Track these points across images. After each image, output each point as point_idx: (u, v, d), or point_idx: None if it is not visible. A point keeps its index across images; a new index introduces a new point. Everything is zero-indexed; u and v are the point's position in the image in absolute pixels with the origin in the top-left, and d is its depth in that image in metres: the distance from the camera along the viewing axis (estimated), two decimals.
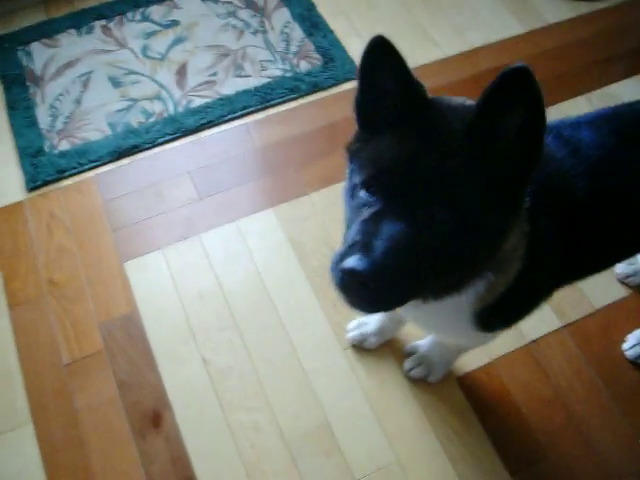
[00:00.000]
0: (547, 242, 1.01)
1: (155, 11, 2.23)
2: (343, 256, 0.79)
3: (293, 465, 1.43)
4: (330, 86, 2.05)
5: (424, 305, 0.95)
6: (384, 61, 0.84)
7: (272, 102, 2.01)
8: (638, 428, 1.46)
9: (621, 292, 1.65)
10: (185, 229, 1.76)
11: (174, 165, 1.88)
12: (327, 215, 1.78)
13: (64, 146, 1.89)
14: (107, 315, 1.62)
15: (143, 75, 2.07)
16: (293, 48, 2.14)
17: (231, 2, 2.26)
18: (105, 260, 1.71)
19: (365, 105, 0.90)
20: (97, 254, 1.72)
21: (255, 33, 2.18)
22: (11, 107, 1.98)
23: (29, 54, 2.10)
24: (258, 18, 2.22)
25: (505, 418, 1.48)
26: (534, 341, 1.58)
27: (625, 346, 1.55)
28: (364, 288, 0.77)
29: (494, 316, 1.05)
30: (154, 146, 1.92)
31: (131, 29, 2.18)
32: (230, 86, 2.04)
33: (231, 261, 1.71)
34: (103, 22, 2.19)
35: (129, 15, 2.21)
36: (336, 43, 2.13)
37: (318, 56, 2.11)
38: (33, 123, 1.94)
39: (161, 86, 2.04)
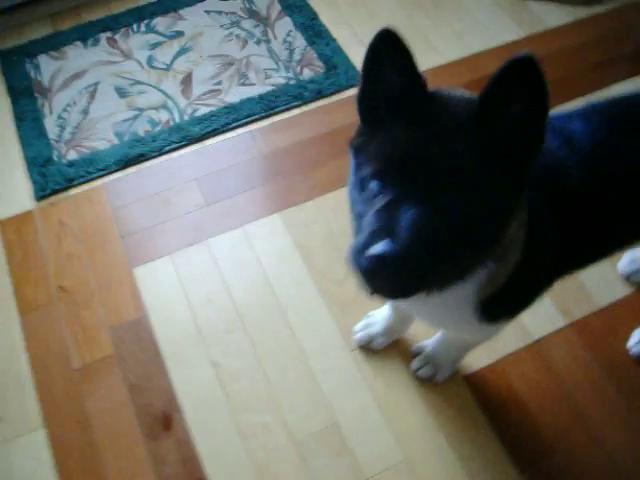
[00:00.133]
0: (545, 231, 1.03)
1: (160, 22, 2.27)
2: (366, 245, 0.79)
3: (303, 465, 1.44)
4: (333, 93, 2.07)
5: (428, 298, 0.96)
6: (391, 55, 0.84)
7: (276, 109, 2.04)
8: None
9: (625, 290, 1.66)
10: (193, 235, 1.78)
11: (181, 172, 1.91)
12: (333, 219, 1.80)
13: (72, 155, 1.92)
14: (117, 320, 1.64)
15: (149, 85, 2.10)
16: (296, 56, 2.17)
17: (234, 13, 2.30)
18: (114, 266, 1.73)
19: (368, 99, 0.90)
20: (106, 261, 1.74)
21: (258, 42, 2.21)
22: (19, 118, 2.01)
23: (37, 66, 2.14)
24: (261, 28, 2.25)
25: (513, 416, 1.49)
26: (540, 340, 1.59)
27: (630, 344, 1.56)
28: (394, 272, 0.77)
29: (496, 306, 1.06)
30: (161, 154, 1.94)
31: (136, 40, 2.22)
32: (235, 94, 2.07)
33: (239, 266, 1.73)
34: (109, 34, 2.23)
35: (134, 27, 2.25)
36: (338, 51, 2.16)
37: (321, 64, 2.14)
38: (41, 134, 1.97)
39: (167, 96, 2.07)
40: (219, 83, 2.10)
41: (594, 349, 1.57)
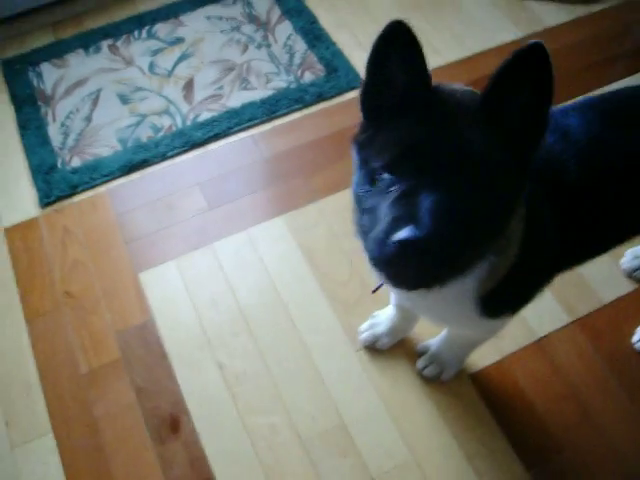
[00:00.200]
0: (543, 225, 1.04)
1: (161, 29, 2.28)
2: (389, 232, 0.78)
3: (311, 466, 1.44)
4: (334, 96, 2.08)
5: (429, 294, 0.97)
6: (400, 47, 0.84)
7: (278, 113, 2.05)
8: None
9: (628, 286, 1.66)
10: (197, 239, 1.79)
11: (184, 177, 1.92)
12: (335, 221, 1.80)
13: (76, 162, 1.94)
14: (123, 324, 1.65)
15: (151, 91, 2.11)
16: (297, 60, 2.18)
17: (234, 18, 2.31)
18: (120, 271, 1.74)
19: (373, 94, 0.90)
20: (112, 266, 1.75)
21: (259, 47, 2.22)
22: (23, 126, 2.02)
23: (39, 74, 2.16)
24: (261, 32, 2.26)
25: (519, 413, 1.50)
26: (544, 337, 1.59)
27: (634, 339, 1.57)
28: (422, 256, 0.77)
29: (497, 301, 1.07)
30: (164, 159, 1.96)
31: (138, 47, 2.23)
32: (236, 99, 2.08)
33: (243, 268, 1.74)
34: (110, 41, 2.24)
35: (135, 34, 2.27)
36: (338, 54, 2.18)
37: (321, 67, 2.15)
38: (45, 141, 1.98)
39: (169, 101, 2.08)
40: (220, 88, 2.11)
41: (598, 345, 1.58)
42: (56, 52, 2.22)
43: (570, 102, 1.19)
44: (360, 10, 2.32)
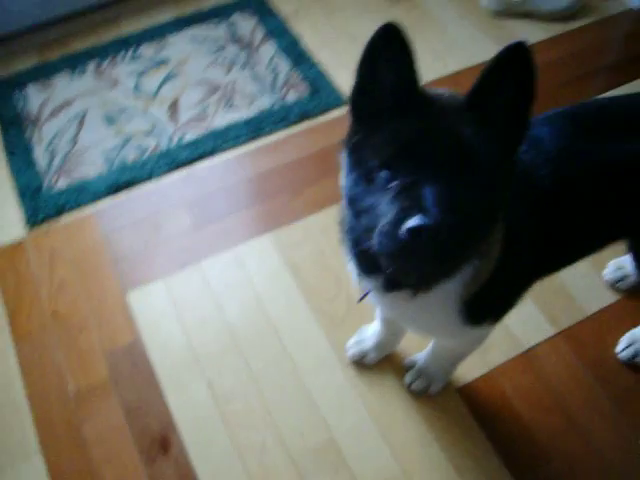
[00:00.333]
0: (522, 230, 1.07)
1: (146, 50, 2.31)
2: (398, 223, 0.79)
3: None
4: (318, 114, 2.11)
5: (413, 300, 0.99)
6: (392, 50, 0.86)
7: (263, 132, 2.07)
8: (637, 428, 1.50)
9: (611, 297, 1.69)
10: (184, 258, 1.80)
11: (170, 197, 1.93)
12: (321, 238, 1.82)
13: (62, 183, 1.95)
14: (112, 344, 1.65)
15: (136, 112, 2.13)
16: (280, 80, 2.21)
17: (219, 39, 2.34)
18: (107, 291, 1.75)
19: (364, 96, 0.92)
20: (99, 286, 1.76)
21: (243, 67, 2.25)
22: (9, 148, 2.03)
23: (25, 96, 2.17)
24: (245, 53, 2.29)
25: (507, 425, 1.51)
26: (530, 349, 1.61)
27: (618, 349, 1.59)
28: (433, 243, 0.78)
29: (480, 307, 1.09)
30: (150, 180, 1.97)
31: (123, 68, 2.25)
32: (221, 119, 2.10)
33: (231, 287, 1.75)
34: (96, 63, 2.27)
35: (121, 55, 2.29)
36: (322, 73, 2.21)
37: (305, 86, 2.18)
38: (31, 163, 1.99)
39: (154, 122, 2.10)
40: (205, 108, 2.13)
41: (583, 356, 1.60)
42: (42, 74, 2.23)
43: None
44: (342, 30, 2.36)
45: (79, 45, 2.33)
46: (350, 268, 1.09)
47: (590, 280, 1.71)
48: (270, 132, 2.07)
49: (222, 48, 2.31)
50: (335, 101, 2.12)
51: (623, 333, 1.61)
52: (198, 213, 1.90)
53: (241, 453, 1.48)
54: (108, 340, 1.66)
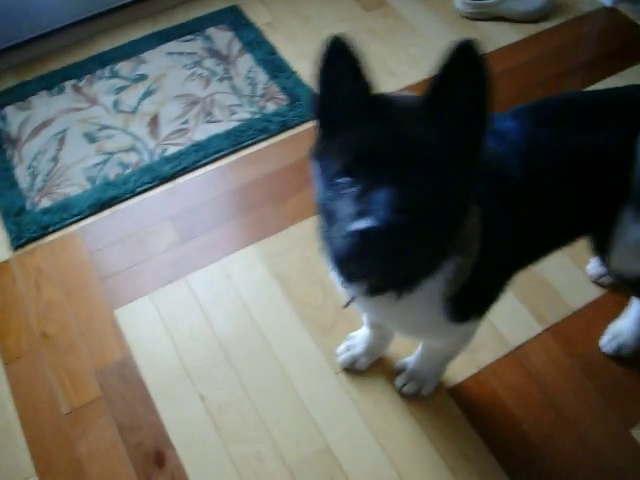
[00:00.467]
0: (498, 223, 1.08)
1: (123, 67, 2.31)
2: (348, 227, 0.82)
3: None
4: (298, 124, 2.12)
5: (398, 302, 1.01)
6: (343, 61, 0.89)
7: (243, 144, 2.08)
8: (627, 419, 1.51)
9: (596, 292, 1.71)
10: (171, 273, 1.80)
11: (155, 212, 1.93)
12: (307, 247, 1.83)
13: (45, 203, 1.94)
14: (102, 362, 1.65)
15: (117, 129, 2.13)
16: (259, 91, 2.22)
17: (195, 53, 2.35)
18: (95, 309, 1.74)
19: (325, 105, 0.94)
20: (87, 304, 1.75)
21: (221, 80, 2.26)
22: None
23: (4, 118, 2.17)
24: (223, 66, 2.30)
25: (499, 424, 1.52)
26: (518, 347, 1.63)
27: (602, 342, 1.61)
28: (380, 244, 0.80)
29: (464, 303, 1.10)
30: (133, 196, 1.97)
31: (101, 86, 2.26)
32: (202, 132, 2.11)
33: (219, 299, 1.75)
34: (73, 82, 2.27)
35: (98, 73, 2.29)
36: (300, 83, 2.22)
37: (284, 96, 2.19)
38: (13, 184, 1.99)
39: (135, 138, 2.10)
40: (186, 122, 2.14)
41: (571, 351, 1.62)
42: (20, 94, 2.23)
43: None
44: (317, 39, 2.33)
45: (56, 64, 2.33)
46: (333, 275, 1.10)
47: (574, 276, 1.74)
48: (251, 143, 2.08)
49: (199, 62, 2.32)
50: None
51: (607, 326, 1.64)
52: (183, 227, 1.90)
53: (237, 465, 1.49)
54: (98, 358, 1.66)
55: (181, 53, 2.35)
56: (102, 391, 1.61)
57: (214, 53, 2.34)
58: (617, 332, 1.60)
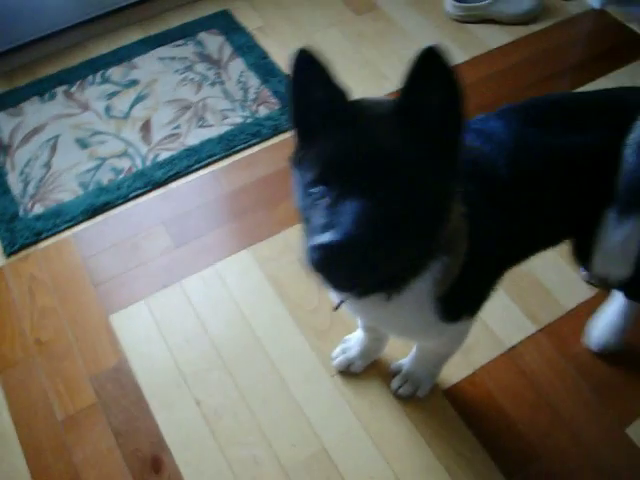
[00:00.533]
0: (486, 222, 1.09)
1: (114, 72, 2.31)
2: (314, 239, 0.83)
3: None
4: (290, 128, 2.12)
5: (388, 303, 1.01)
6: (312, 71, 0.90)
7: (236, 148, 2.08)
8: (621, 418, 1.52)
9: (588, 292, 1.72)
10: (165, 278, 1.80)
11: (148, 217, 1.93)
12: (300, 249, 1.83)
13: (38, 209, 1.94)
14: (97, 368, 1.65)
15: (109, 134, 2.13)
16: (251, 95, 2.22)
17: (187, 58, 2.35)
18: (90, 315, 1.74)
19: (300, 114, 0.95)
20: (81, 310, 1.75)
21: (213, 84, 2.26)
22: None
23: None
24: (214, 70, 2.30)
25: (495, 424, 1.53)
26: (512, 347, 1.64)
27: (588, 341, 1.62)
28: (341, 258, 0.81)
29: (454, 302, 1.11)
30: (126, 201, 1.97)
31: (92, 92, 2.26)
32: (194, 137, 2.11)
33: (213, 304, 1.75)
34: (65, 87, 2.27)
35: (89, 79, 2.29)
36: None
37: (276, 100, 2.20)
38: (6, 190, 1.98)
39: (127, 143, 2.10)
40: (178, 127, 2.14)
41: (565, 351, 1.63)
42: (11, 101, 2.23)
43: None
44: (308, 41, 2.36)
45: (47, 70, 2.33)
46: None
47: (567, 276, 1.75)
48: (243, 148, 2.09)
49: (191, 67, 2.32)
50: None
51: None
52: (176, 232, 1.90)
53: (234, 469, 1.49)
54: (93, 364, 1.66)
55: (172, 58, 2.35)
56: (97, 397, 1.60)
57: (205, 58, 2.35)
58: (601, 329, 1.61)
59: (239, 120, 2.15)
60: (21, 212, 1.93)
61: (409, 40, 2.40)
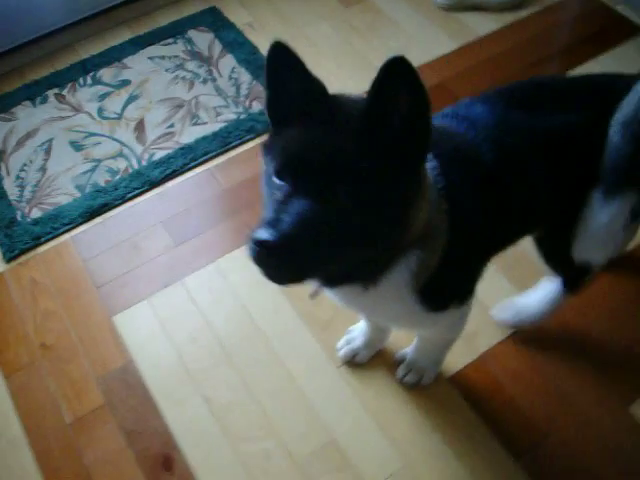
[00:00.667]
0: (469, 213, 1.09)
1: (105, 73, 2.31)
2: (254, 233, 0.84)
3: None
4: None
5: (368, 293, 1.02)
6: (284, 63, 0.92)
7: (231, 145, 2.08)
8: (624, 396, 1.54)
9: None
10: (167, 276, 1.81)
11: (146, 217, 1.94)
12: None
13: (36, 213, 1.94)
14: (103, 369, 1.65)
15: (103, 136, 2.13)
16: (243, 91, 2.22)
17: (177, 56, 2.35)
18: (93, 317, 1.74)
19: (274, 104, 0.96)
20: (84, 313, 1.75)
21: (205, 82, 2.26)
22: None
23: None
24: (205, 67, 2.30)
25: (501, 408, 1.54)
26: (515, 332, 1.65)
27: (500, 314, 1.64)
28: (273, 257, 0.83)
29: (438, 293, 1.12)
30: (124, 202, 1.97)
31: (84, 93, 2.25)
32: (189, 135, 2.11)
33: (216, 300, 1.76)
34: (56, 90, 2.26)
35: (80, 81, 2.28)
36: None
37: None
38: (2, 196, 1.98)
39: (122, 144, 2.10)
40: (172, 126, 2.14)
41: (567, 331, 1.64)
42: (2, 106, 2.22)
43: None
44: (299, 37, 2.39)
45: (36, 74, 2.32)
46: None
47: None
48: (239, 144, 2.09)
49: (181, 65, 2.32)
50: None
51: (603, 306, 1.67)
52: (175, 230, 1.90)
53: (245, 463, 1.50)
54: (99, 366, 1.66)
55: (162, 57, 2.35)
56: (105, 398, 1.61)
57: (196, 55, 2.34)
58: (520, 307, 1.62)
59: (233, 116, 2.15)
60: (19, 217, 1.93)
61: (398, 31, 2.41)
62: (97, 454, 1.53)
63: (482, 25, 2.40)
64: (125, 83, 2.27)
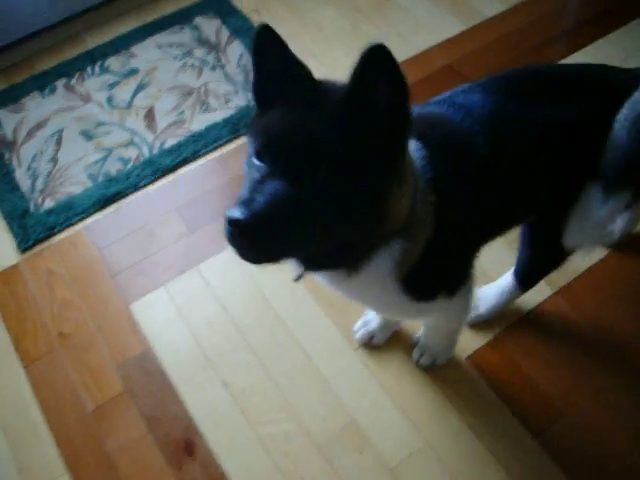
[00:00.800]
0: (458, 204, 1.09)
1: (113, 62, 2.30)
2: (229, 211, 0.84)
3: (329, 466, 1.48)
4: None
5: (351, 279, 1.03)
6: (269, 46, 0.93)
7: (242, 131, 2.08)
8: (638, 373, 1.56)
9: (600, 253, 1.74)
10: (182, 263, 1.81)
11: (160, 204, 1.94)
12: None
13: (49, 204, 1.94)
14: (122, 357, 1.66)
15: (113, 125, 2.13)
16: (252, 77, 2.21)
17: (184, 43, 2.35)
18: (110, 305, 1.75)
19: (260, 85, 0.97)
20: (101, 301, 1.76)
21: (213, 69, 2.26)
22: None
23: None
24: (213, 54, 2.30)
25: (518, 386, 1.55)
26: (530, 311, 1.66)
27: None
28: (245, 236, 0.83)
29: (423, 282, 1.12)
30: (137, 190, 1.97)
31: (93, 83, 2.25)
32: (199, 122, 2.11)
33: (232, 285, 1.77)
34: (64, 80, 2.26)
35: (89, 70, 2.28)
36: None
37: None
38: (14, 187, 1.98)
39: (133, 132, 2.10)
40: (182, 113, 2.14)
41: (582, 311, 1.65)
42: (11, 97, 2.22)
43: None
44: (306, 21, 2.38)
45: (45, 65, 2.32)
46: None
47: None
48: None
49: (189, 52, 2.32)
50: None
51: (616, 284, 1.68)
52: (189, 217, 1.91)
53: (267, 446, 1.51)
54: (118, 353, 1.67)
55: (170, 44, 2.34)
56: (125, 385, 1.62)
57: (203, 42, 2.34)
58: (484, 297, 1.63)
59: (242, 103, 2.15)
60: (32, 208, 1.94)
61: (405, 14, 2.40)
62: (118, 441, 1.55)
63: (490, 7, 2.39)
64: (133, 71, 2.27)
